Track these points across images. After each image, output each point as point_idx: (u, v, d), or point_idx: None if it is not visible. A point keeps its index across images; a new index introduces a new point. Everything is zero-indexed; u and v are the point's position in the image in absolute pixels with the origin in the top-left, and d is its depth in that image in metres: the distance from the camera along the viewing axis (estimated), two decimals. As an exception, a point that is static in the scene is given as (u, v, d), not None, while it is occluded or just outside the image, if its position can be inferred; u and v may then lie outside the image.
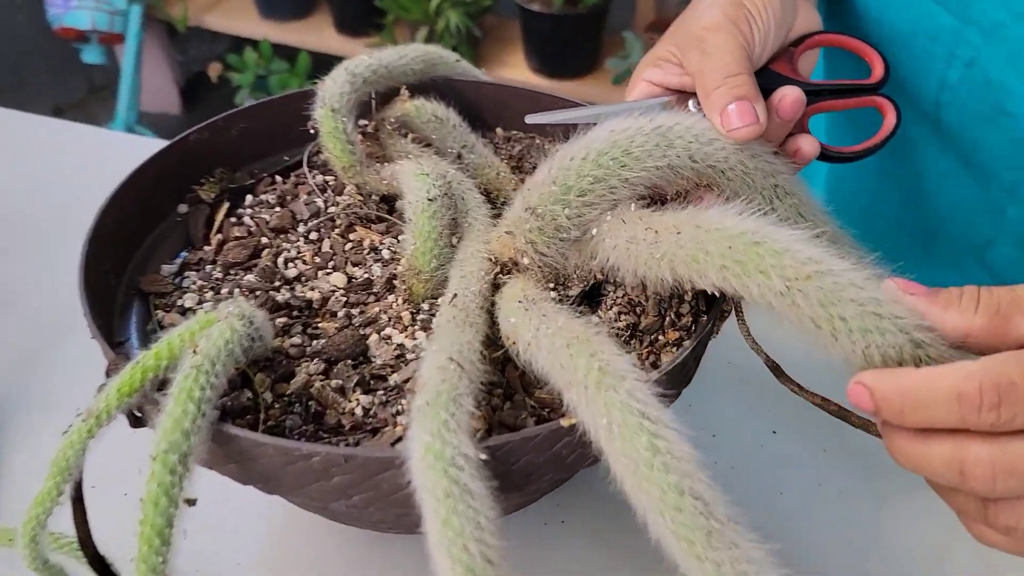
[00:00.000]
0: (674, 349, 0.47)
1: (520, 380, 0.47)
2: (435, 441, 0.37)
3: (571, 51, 2.08)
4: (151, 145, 0.88)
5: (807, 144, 0.51)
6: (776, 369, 0.49)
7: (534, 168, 0.63)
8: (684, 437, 0.38)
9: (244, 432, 0.40)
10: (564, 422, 0.40)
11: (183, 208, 0.59)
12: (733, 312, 0.48)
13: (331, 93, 0.57)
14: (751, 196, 0.48)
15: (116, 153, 0.94)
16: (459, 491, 0.36)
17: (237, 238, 0.57)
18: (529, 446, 0.41)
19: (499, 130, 0.68)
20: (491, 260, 0.51)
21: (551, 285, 0.50)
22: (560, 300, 0.49)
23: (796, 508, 0.60)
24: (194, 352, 0.41)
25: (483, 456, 0.37)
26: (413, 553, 0.56)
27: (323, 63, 0.62)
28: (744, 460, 0.63)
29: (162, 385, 0.42)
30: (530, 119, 0.59)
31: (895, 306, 0.38)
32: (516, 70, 2.14)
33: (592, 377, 0.39)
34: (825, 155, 0.53)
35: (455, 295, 0.47)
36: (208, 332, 0.42)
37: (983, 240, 0.68)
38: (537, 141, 0.67)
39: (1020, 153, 0.61)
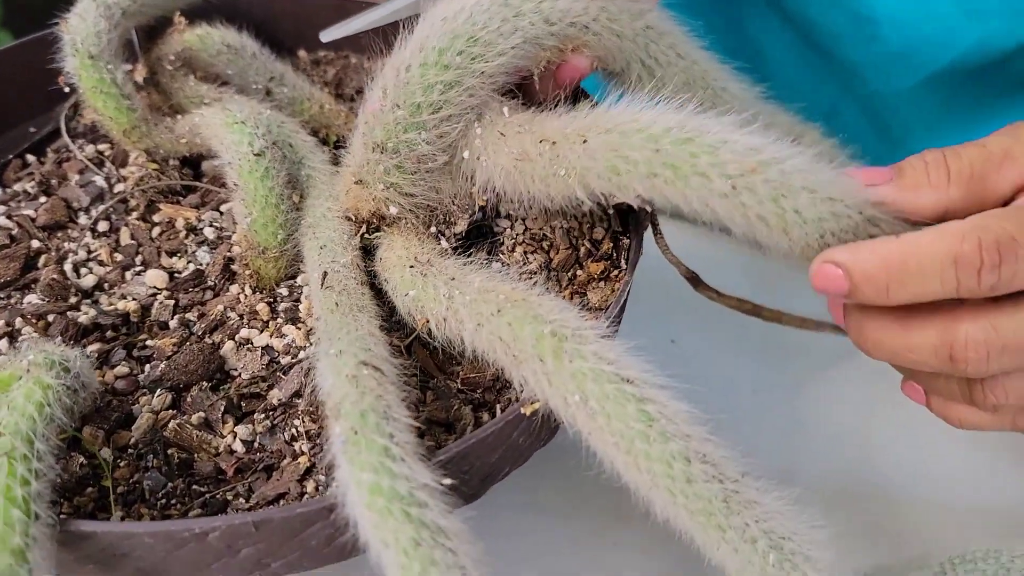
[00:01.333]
0: (601, 283, 0.40)
1: (432, 360, 0.38)
2: (381, 478, 0.28)
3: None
4: None
5: None
6: (694, 279, 0.43)
7: (358, 93, 0.53)
8: (672, 391, 0.31)
9: (105, 525, 0.29)
10: (526, 409, 0.32)
11: (-93, 219, 0.44)
12: (650, 228, 0.42)
13: (83, 35, 0.43)
14: (623, 46, 0.40)
15: None
16: (430, 535, 0.28)
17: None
18: (484, 447, 0.32)
19: (302, 53, 0.56)
20: (349, 219, 0.41)
21: (432, 229, 0.41)
22: (450, 244, 0.40)
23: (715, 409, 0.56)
24: (-3, 434, 0.28)
25: (446, 482, 0.29)
26: None
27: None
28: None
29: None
30: (325, 36, 0.49)
31: (846, 185, 0.33)
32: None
33: (547, 346, 0.31)
34: None
35: (325, 273, 0.37)
36: (10, 399, 0.30)
37: (829, 107, 0.66)
38: (353, 60, 0.56)
39: (859, 31, 0.58)
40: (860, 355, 0.38)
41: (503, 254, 0.41)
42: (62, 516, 0.29)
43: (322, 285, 0.36)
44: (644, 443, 0.30)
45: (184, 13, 0.48)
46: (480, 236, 0.42)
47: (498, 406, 0.36)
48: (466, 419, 0.35)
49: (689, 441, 0.30)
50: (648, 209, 0.40)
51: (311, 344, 0.38)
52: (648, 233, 0.42)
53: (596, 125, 0.35)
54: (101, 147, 0.47)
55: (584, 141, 0.34)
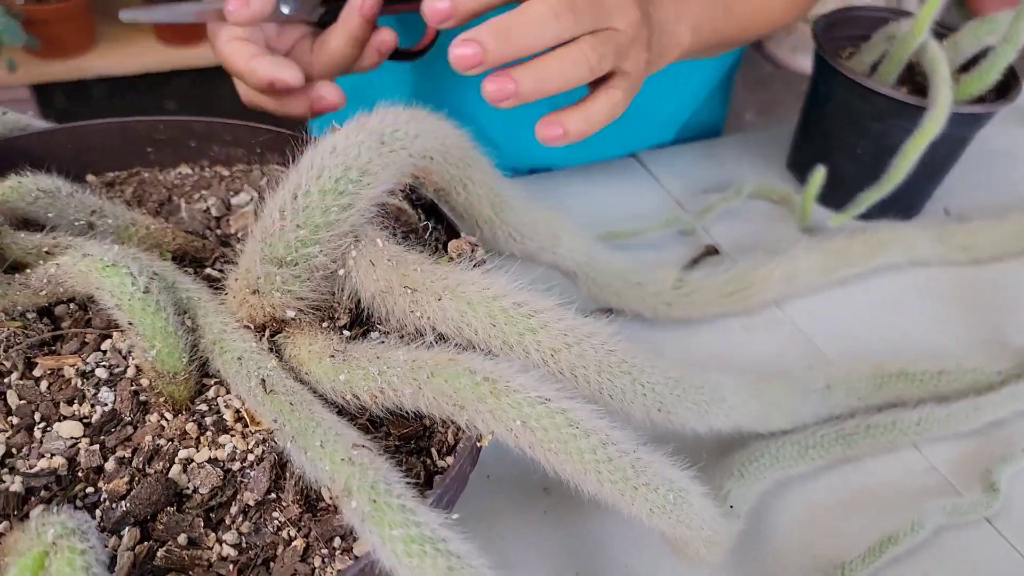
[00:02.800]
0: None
1: (365, 430, 0.44)
2: (410, 529, 0.35)
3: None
4: None
5: (388, 36, 0.60)
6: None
7: (160, 206, 0.56)
8: (581, 401, 0.42)
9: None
10: (483, 442, 0.41)
11: None
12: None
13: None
14: (452, 172, 0.51)
15: None
16: (458, 563, 0.35)
17: None
18: (452, 483, 0.40)
19: (91, 177, 0.57)
20: (247, 328, 0.46)
21: (324, 324, 0.47)
22: (340, 332, 0.47)
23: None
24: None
25: (455, 516, 0.37)
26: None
27: None
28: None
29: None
30: (125, 16, 0.56)
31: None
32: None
33: (485, 390, 0.40)
34: (398, 52, 0.63)
35: (263, 380, 0.42)
36: (56, 573, 0.32)
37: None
38: (146, 175, 0.58)
39: None
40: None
41: (380, 326, 0.48)
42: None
43: (266, 391, 0.41)
44: (576, 440, 0.40)
45: (-10, 166, 0.49)
46: (358, 323, 0.49)
47: (432, 448, 0.44)
48: (417, 467, 0.43)
49: (599, 433, 0.41)
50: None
51: (257, 444, 0.43)
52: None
53: (450, 288, 0.44)
54: (-62, 317, 0.46)
55: (439, 299, 0.44)
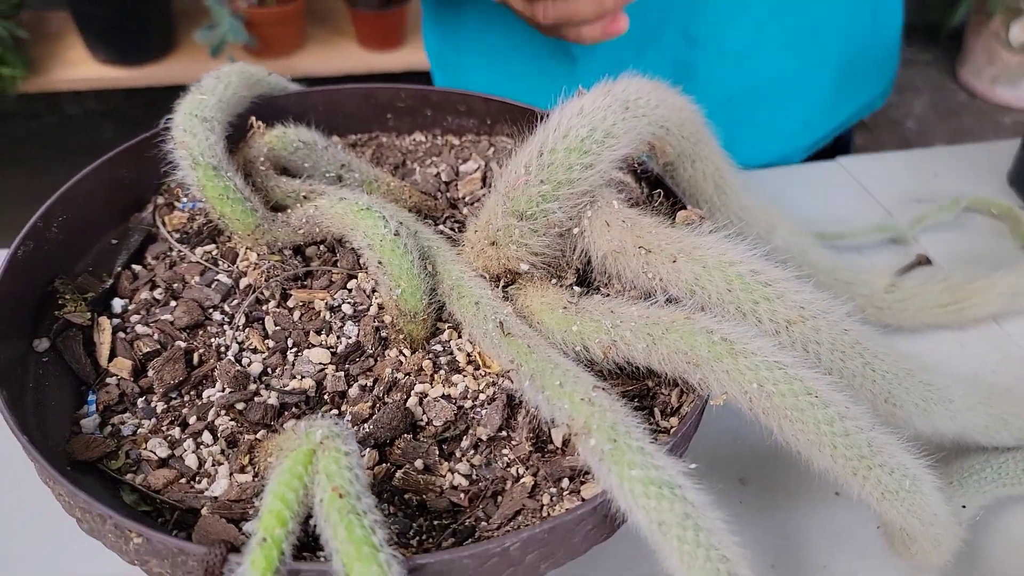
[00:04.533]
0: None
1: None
2: (648, 472, 0.36)
3: (140, 31, 1.87)
4: None
5: None
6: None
7: (395, 168, 0.59)
8: (819, 372, 0.41)
9: (434, 556, 0.35)
10: (715, 401, 0.41)
11: (42, 344, 0.46)
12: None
13: (199, 149, 0.47)
14: (683, 146, 0.51)
15: None
16: (694, 511, 0.36)
17: (150, 355, 0.46)
18: (680, 437, 0.41)
19: (335, 138, 0.62)
20: (483, 277, 0.48)
21: (553, 281, 0.48)
22: (571, 287, 0.48)
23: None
24: (339, 496, 0.34)
25: (692, 465, 0.37)
26: None
27: None
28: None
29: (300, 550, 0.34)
30: None
31: None
32: (81, 67, 1.87)
33: (721, 350, 0.40)
34: None
35: (502, 323, 0.44)
36: (321, 468, 0.35)
37: None
38: (384, 139, 0.62)
39: None
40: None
41: (604, 288, 0.49)
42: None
43: (504, 333, 0.43)
44: (813, 409, 0.39)
45: (257, 117, 0.53)
46: (583, 284, 0.50)
47: (656, 408, 0.44)
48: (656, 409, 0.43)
49: (838, 406, 0.40)
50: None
51: (484, 387, 0.44)
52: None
53: (685, 251, 0.44)
54: (207, 248, 0.51)
55: (673, 261, 0.44)
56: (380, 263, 0.46)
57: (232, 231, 0.49)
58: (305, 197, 0.51)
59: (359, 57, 1.95)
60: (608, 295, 0.49)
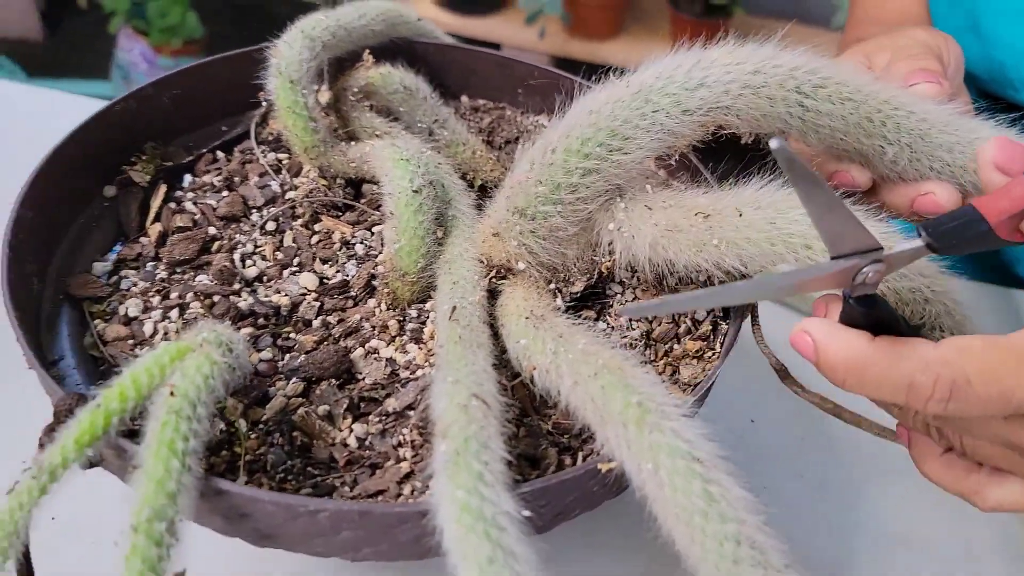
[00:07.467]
0: (694, 361, 0.44)
1: (530, 401, 0.42)
2: (471, 499, 0.33)
3: (481, -14, 1.99)
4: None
5: None
6: (782, 372, 0.46)
7: (506, 143, 0.58)
8: (736, 480, 0.35)
9: (238, 487, 0.34)
10: (603, 466, 0.36)
11: (111, 191, 0.51)
12: (750, 317, 0.45)
13: (289, 61, 0.50)
14: (778, 112, 0.42)
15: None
16: (503, 556, 0.32)
17: (180, 228, 0.49)
18: (562, 489, 0.37)
19: (464, 98, 0.62)
20: (482, 263, 0.46)
21: (552, 286, 0.45)
22: (564, 300, 0.45)
23: (780, 500, 0.59)
24: (171, 393, 0.34)
25: (525, 513, 0.33)
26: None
27: None
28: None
29: (130, 429, 0.35)
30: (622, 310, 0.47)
31: None
32: (421, 5, 2.03)
33: (631, 414, 0.35)
34: None
35: (454, 307, 0.42)
36: (182, 366, 0.36)
37: None
38: (508, 112, 0.61)
39: None
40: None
41: (610, 317, 0.45)
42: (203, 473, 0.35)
43: (450, 317, 0.41)
44: (702, 520, 0.34)
45: (373, 51, 0.55)
46: (593, 297, 0.47)
47: (580, 453, 0.40)
48: (550, 459, 0.39)
49: (743, 526, 0.34)
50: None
51: (429, 365, 0.43)
52: (747, 323, 0.45)
53: (749, 202, 0.39)
54: (281, 156, 0.54)
55: (740, 215, 0.39)
56: (392, 213, 0.46)
57: (291, 144, 0.51)
58: (378, 135, 0.52)
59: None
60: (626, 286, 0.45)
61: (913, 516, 0.59)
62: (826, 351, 0.34)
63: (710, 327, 0.45)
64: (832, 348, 0.34)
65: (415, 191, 0.46)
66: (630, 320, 0.45)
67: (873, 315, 0.35)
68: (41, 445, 0.36)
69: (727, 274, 0.40)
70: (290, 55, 0.50)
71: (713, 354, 0.44)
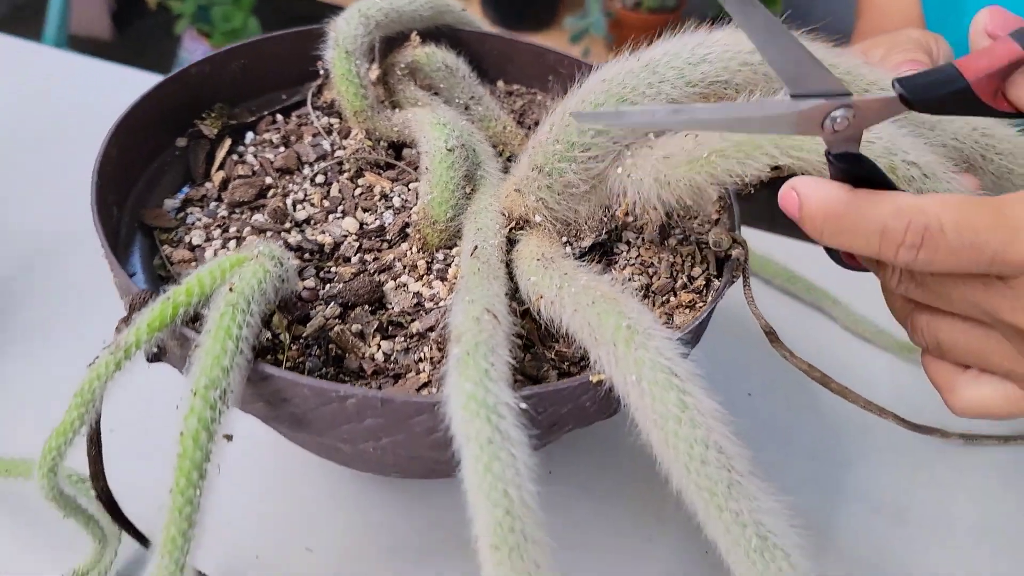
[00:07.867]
0: (686, 311, 0.49)
1: (537, 333, 0.48)
2: (477, 389, 0.38)
3: (530, 4, 2.07)
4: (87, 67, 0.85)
5: None
6: (772, 335, 0.51)
7: (536, 124, 0.64)
8: (709, 392, 0.40)
9: (280, 371, 0.40)
10: (593, 378, 0.42)
11: (182, 142, 0.58)
12: (741, 279, 0.50)
13: (345, 35, 0.56)
14: (773, 89, 0.46)
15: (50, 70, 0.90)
16: (500, 438, 0.37)
17: (241, 176, 0.56)
18: (557, 398, 0.42)
19: (500, 83, 0.68)
20: (504, 215, 0.52)
21: (564, 239, 0.51)
22: (574, 253, 0.51)
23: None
24: (230, 290, 0.41)
25: (523, 405, 0.39)
26: (414, 495, 0.58)
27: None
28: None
29: (191, 322, 0.42)
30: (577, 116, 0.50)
31: None
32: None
33: (621, 335, 0.41)
34: None
35: (476, 247, 0.48)
36: (240, 271, 0.42)
37: None
38: (539, 97, 0.67)
39: None
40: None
41: (614, 270, 0.51)
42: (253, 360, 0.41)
43: (471, 254, 0.47)
44: (676, 424, 0.39)
45: (419, 34, 0.61)
46: (600, 252, 0.52)
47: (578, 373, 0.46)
48: (550, 379, 0.45)
49: (711, 432, 0.39)
50: (742, 259, 0.49)
51: (450, 297, 0.49)
52: (738, 284, 0.50)
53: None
54: (333, 120, 0.61)
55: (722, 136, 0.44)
56: (427, 168, 0.52)
57: (343, 108, 0.58)
58: (420, 105, 0.59)
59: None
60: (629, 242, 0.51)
61: (898, 487, 0.63)
62: (808, 201, 0.36)
63: (704, 283, 0.51)
64: (813, 198, 0.36)
65: (449, 150, 0.52)
66: (632, 274, 0.51)
67: (855, 172, 0.36)
68: (117, 330, 0.42)
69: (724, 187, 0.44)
70: (347, 30, 0.57)
71: (703, 305, 0.49)
